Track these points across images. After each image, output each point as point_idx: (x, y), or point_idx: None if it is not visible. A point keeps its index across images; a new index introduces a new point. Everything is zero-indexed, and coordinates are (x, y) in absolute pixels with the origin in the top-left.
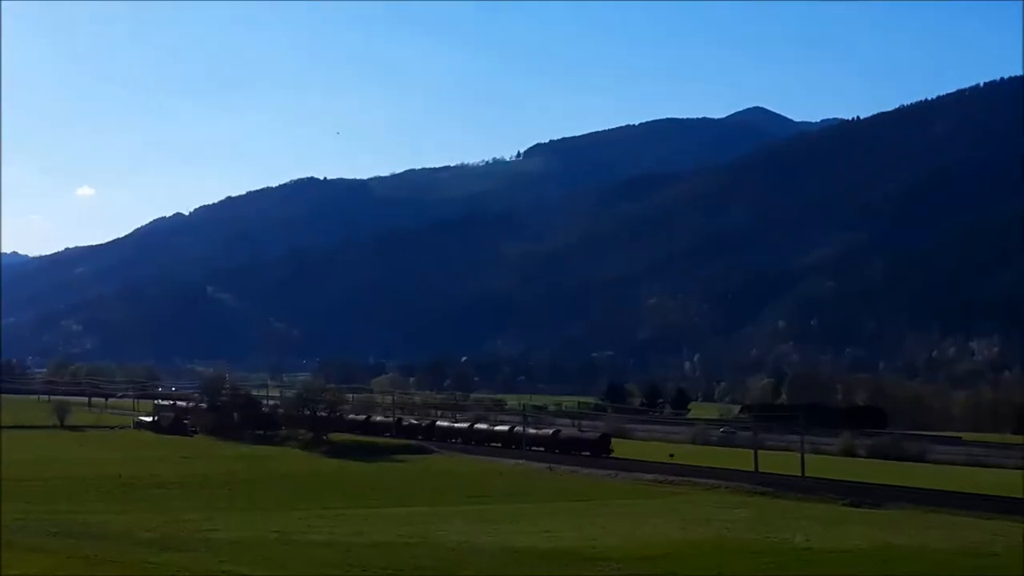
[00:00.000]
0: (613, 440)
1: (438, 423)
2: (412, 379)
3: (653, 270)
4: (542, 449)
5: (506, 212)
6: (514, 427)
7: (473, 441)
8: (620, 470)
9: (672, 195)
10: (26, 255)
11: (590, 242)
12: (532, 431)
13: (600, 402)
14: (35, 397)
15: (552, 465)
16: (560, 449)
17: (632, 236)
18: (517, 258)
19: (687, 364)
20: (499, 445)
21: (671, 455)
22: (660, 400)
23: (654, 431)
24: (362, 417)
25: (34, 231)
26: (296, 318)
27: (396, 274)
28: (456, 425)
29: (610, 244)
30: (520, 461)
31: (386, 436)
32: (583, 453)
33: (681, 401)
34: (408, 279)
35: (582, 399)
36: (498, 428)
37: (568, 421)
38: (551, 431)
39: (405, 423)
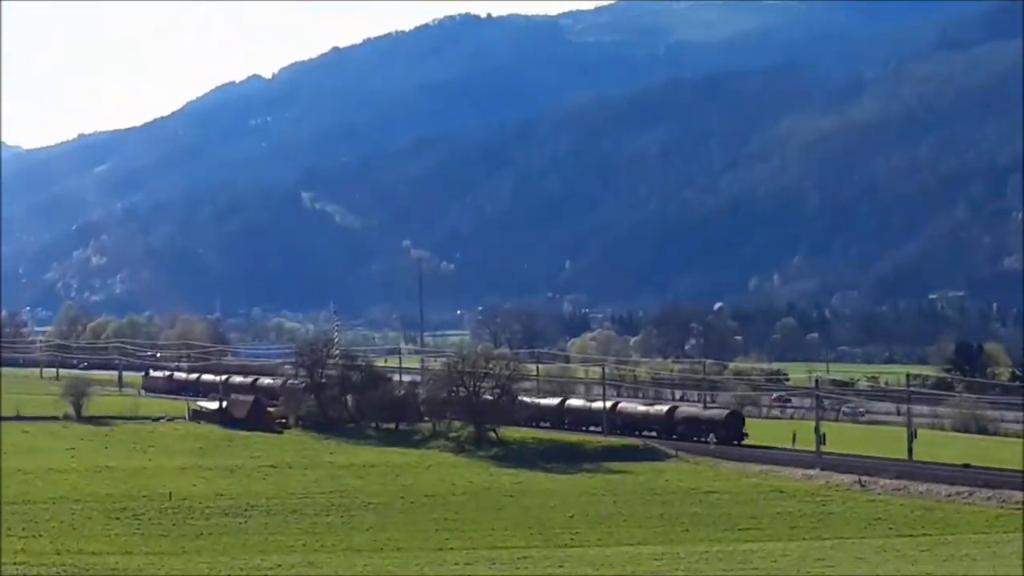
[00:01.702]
0: (975, 442)
1: (680, 408)
2: (634, 339)
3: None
4: (654, 433)
5: (782, 67)
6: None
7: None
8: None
9: None
10: (17, 147)
11: (933, 109)
12: (641, 408)
13: (945, 373)
14: (36, 371)
15: (863, 479)
16: (681, 435)
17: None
18: (802, 141)
19: None
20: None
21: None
22: None
23: None
24: (554, 401)
25: (36, 112)
26: (442, 242)
27: (599, 171)
28: (705, 414)
29: (977, 108)
30: (812, 472)
31: (592, 431)
32: (704, 439)
33: None
34: (620, 179)
35: (916, 368)
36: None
37: (892, 407)
38: (665, 408)
39: (626, 410)
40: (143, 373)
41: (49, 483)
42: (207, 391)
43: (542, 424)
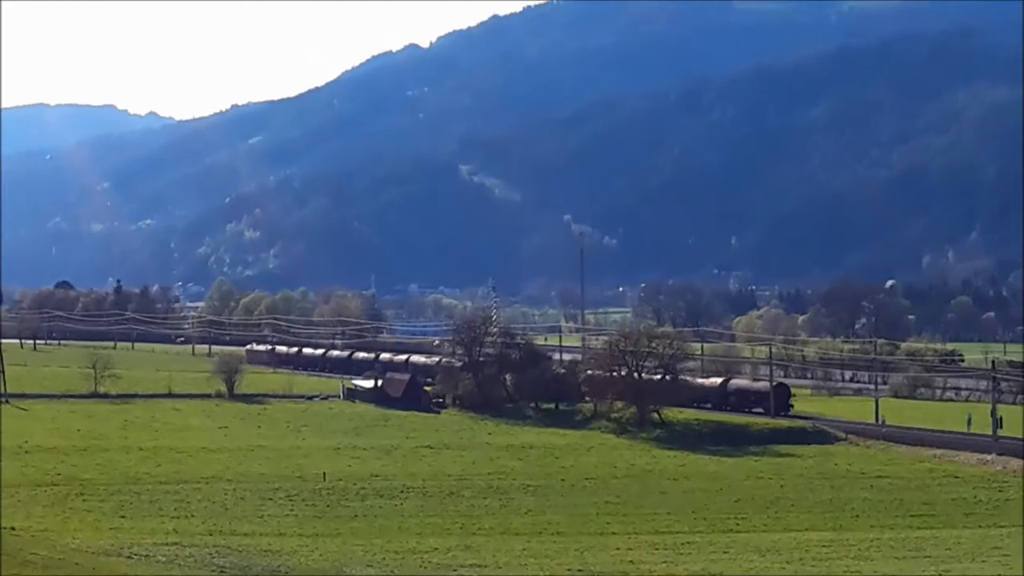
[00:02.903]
0: None
1: (732, 381)
2: (802, 317)
3: None
4: (709, 405)
5: (956, 33)
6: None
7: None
8: None
9: None
10: (169, 118)
11: None
12: (698, 380)
13: None
14: (186, 347)
15: None
16: (731, 405)
17: None
18: (977, 111)
19: None
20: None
21: None
22: None
23: None
24: (718, 380)
25: (188, 83)
26: (604, 216)
27: (765, 142)
28: (754, 386)
29: None
30: (988, 457)
31: (757, 413)
32: (753, 410)
33: None
34: (787, 151)
35: None
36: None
37: None
38: (719, 380)
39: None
40: (246, 347)
41: (201, 462)
42: (361, 369)
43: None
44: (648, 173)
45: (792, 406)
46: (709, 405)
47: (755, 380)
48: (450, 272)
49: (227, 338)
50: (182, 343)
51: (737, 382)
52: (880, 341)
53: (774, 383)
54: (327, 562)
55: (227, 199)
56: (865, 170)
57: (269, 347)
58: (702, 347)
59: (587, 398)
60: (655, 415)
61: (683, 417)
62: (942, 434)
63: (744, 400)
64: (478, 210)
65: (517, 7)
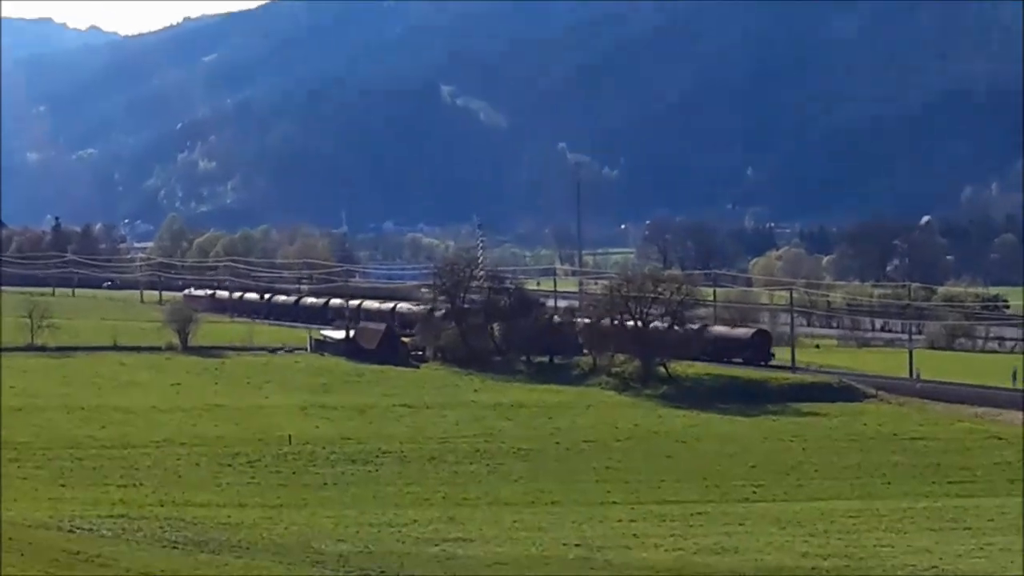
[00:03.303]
0: None
1: (710, 328)
2: (827, 258)
3: None
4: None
5: None
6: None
7: None
8: None
9: None
10: (113, 33)
11: None
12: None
13: None
14: (135, 293)
15: None
16: (711, 355)
17: None
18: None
19: None
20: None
21: None
22: None
23: None
24: (735, 331)
25: None
26: (604, 144)
27: (788, 58)
28: (733, 333)
29: None
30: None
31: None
32: (733, 360)
33: None
34: (812, 68)
35: None
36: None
37: None
38: (696, 327)
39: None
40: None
41: (151, 423)
42: (331, 318)
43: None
44: (653, 96)
45: (773, 355)
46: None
47: (734, 327)
48: (431, 208)
49: (179, 283)
50: (110, 287)
51: (717, 329)
52: (914, 285)
53: (754, 329)
54: (293, 536)
55: (178, 125)
56: (898, 91)
57: (209, 292)
58: (714, 292)
59: (585, 350)
60: (661, 369)
61: (693, 372)
62: (984, 390)
63: (724, 349)
64: (462, 138)
65: None
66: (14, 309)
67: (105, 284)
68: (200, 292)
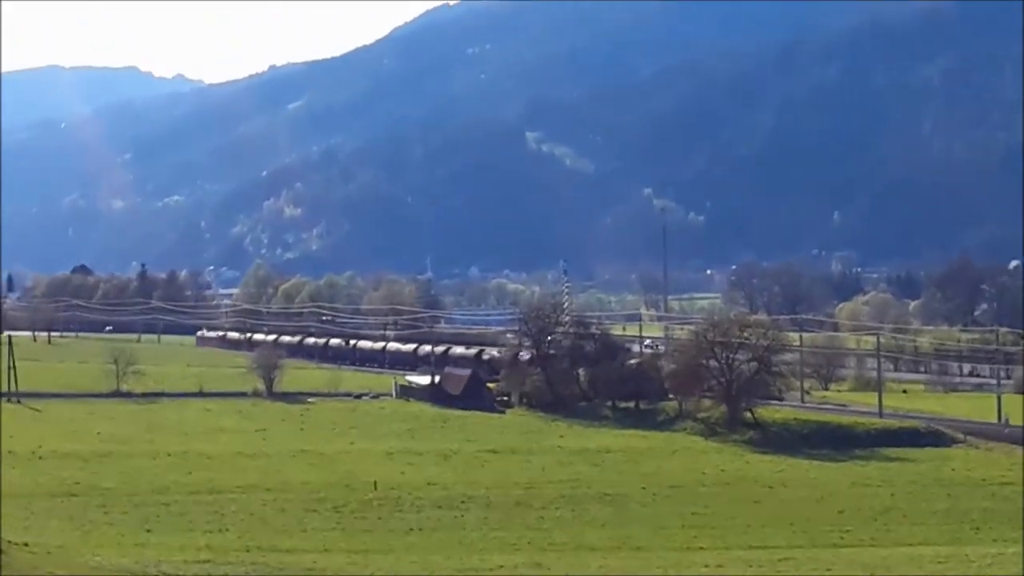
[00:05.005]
0: None
1: None
2: (914, 303)
3: None
4: None
5: None
6: None
7: None
8: None
9: None
10: (199, 81)
11: None
12: None
13: None
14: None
15: None
16: None
17: None
18: None
19: None
20: None
21: None
22: None
23: None
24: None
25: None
26: (690, 190)
27: (872, 106)
28: None
29: None
30: None
31: (860, 414)
32: None
33: None
34: (897, 115)
35: None
36: None
37: None
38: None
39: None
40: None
41: (237, 469)
42: (416, 364)
43: None
44: (738, 141)
45: None
46: None
47: None
48: (515, 254)
49: (265, 329)
50: (110, 331)
51: None
52: (1003, 330)
53: None
54: None
55: (264, 172)
56: (986, 135)
57: (220, 334)
58: (800, 337)
59: (671, 395)
60: (748, 414)
61: (780, 417)
62: None
63: None
64: (547, 183)
65: None
66: (100, 356)
67: (107, 328)
68: (212, 333)
